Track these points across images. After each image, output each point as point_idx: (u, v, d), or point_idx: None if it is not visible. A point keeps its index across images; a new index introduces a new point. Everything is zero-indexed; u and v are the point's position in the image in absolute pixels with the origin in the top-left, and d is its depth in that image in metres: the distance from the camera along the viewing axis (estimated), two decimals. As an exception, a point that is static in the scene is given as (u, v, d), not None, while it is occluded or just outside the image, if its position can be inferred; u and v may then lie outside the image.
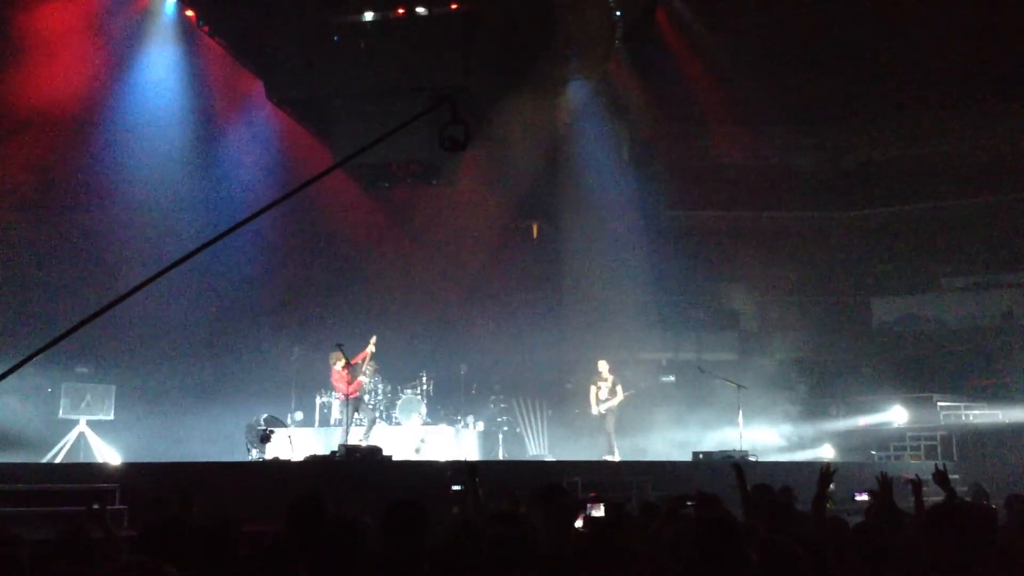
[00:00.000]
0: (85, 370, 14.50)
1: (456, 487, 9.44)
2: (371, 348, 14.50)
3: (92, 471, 10.81)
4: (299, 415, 15.80)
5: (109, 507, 8.53)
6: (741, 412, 14.49)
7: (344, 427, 14.02)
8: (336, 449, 12.02)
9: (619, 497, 10.89)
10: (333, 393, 15.09)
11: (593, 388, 15.12)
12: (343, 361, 14.04)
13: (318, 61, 17.81)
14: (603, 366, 15.18)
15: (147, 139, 15.83)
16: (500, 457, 15.83)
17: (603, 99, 19.04)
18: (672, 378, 20.10)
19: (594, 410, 15.07)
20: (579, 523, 5.41)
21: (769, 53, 18.92)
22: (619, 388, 14.94)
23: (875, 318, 21.74)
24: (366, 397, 14.98)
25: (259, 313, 17.46)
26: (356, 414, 14.24)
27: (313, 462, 11.56)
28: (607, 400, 14.87)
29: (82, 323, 3.02)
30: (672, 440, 16.46)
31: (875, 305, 21.83)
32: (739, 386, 14.85)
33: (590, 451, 15.54)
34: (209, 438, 14.68)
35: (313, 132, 18.94)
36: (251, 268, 16.95)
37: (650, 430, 17.04)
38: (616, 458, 14.22)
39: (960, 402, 16.99)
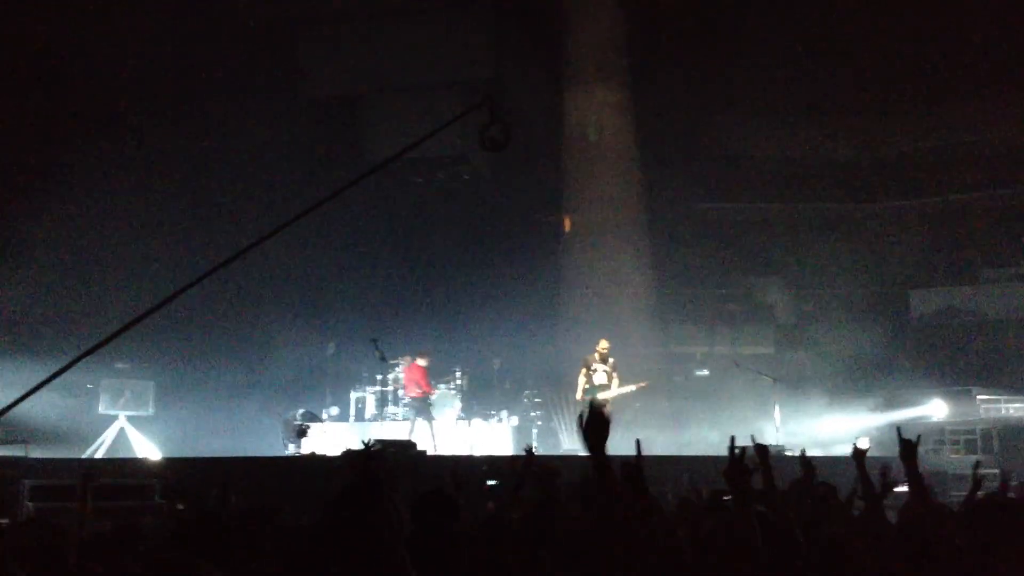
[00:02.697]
0: (124, 366, 14.71)
1: (491, 482, 9.46)
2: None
3: (133, 466, 10.98)
4: (335, 410, 15.93)
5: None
6: (777, 406, 14.37)
7: (426, 426, 14.06)
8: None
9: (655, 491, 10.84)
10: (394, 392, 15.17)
11: (584, 371, 13.36)
12: (427, 360, 14.26)
13: (349, 57, 17.91)
14: (604, 345, 13.45)
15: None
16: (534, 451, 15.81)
17: (634, 90, 18.87)
18: (707, 372, 19.97)
19: (579, 394, 13.27)
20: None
21: (804, 41, 18.71)
22: (616, 377, 13.23)
23: (913, 310, 21.44)
24: (399, 392, 15.10)
25: (294, 308, 17.61)
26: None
27: (348, 457, 11.64)
28: (602, 388, 13.08)
29: (135, 321, 3.07)
30: (707, 435, 16.34)
31: (913, 297, 21.52)
32: (774, 380, 14.74)
33: (622, 445, 15.45)
34: (246, 433, 14.83)
35: (344, 129, 19.05)
36: (286, 264, 17.10)
37: (686, 425, 16.95)
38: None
39: (1000, 395, 16.72)
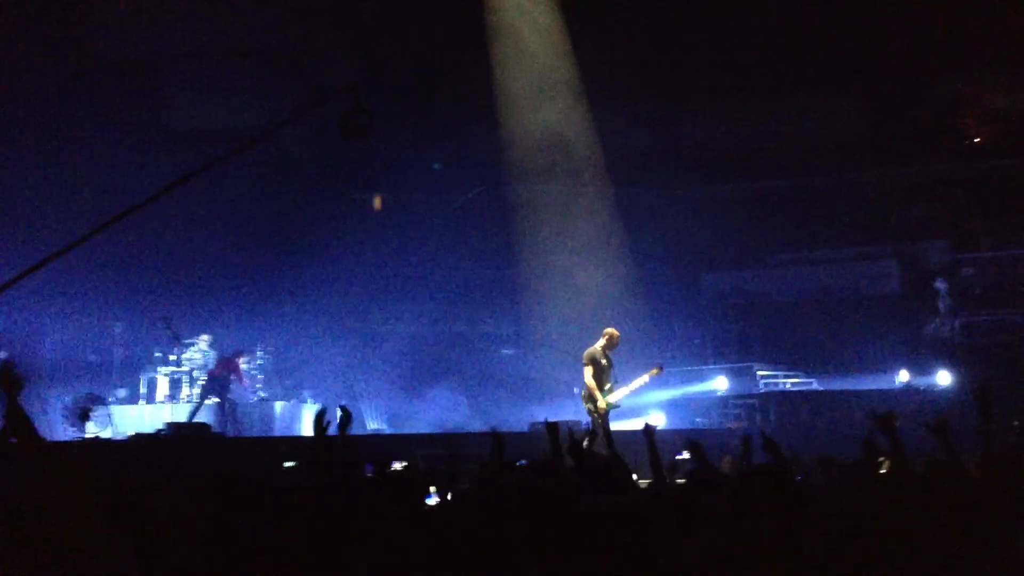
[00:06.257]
0: None
1: (289, 464, 9.27)
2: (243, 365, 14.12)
3: None
4: (122, 392, 15.06)
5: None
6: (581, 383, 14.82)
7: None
8: (162, 427, 11.63)
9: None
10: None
11: (591, 369, 11.02)
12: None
13: (141, 20, 16.92)
14: (617, 334, 11.42)
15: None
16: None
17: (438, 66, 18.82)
18: (512, 352, 20.32)
19: (601, 403, 10.96)
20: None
21: (611, 27, 19.20)
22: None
23: (705, 292, 22.57)
24: (195, 373, 14.44)
25: (79, 286, 16.43)
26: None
27: (138, 441, 11.15)
28: (614, 387, 11.24)
29: None
30: (508, 411, 16.75)
31: (705, 279, 22.66)
32: (575, 358, 15.19)
33: (430, 423, 15.62)
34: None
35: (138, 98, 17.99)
36: (71, 238, 15.91)
37: (497, 403, 17.25)
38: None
39: (778, 371, 18.04)
